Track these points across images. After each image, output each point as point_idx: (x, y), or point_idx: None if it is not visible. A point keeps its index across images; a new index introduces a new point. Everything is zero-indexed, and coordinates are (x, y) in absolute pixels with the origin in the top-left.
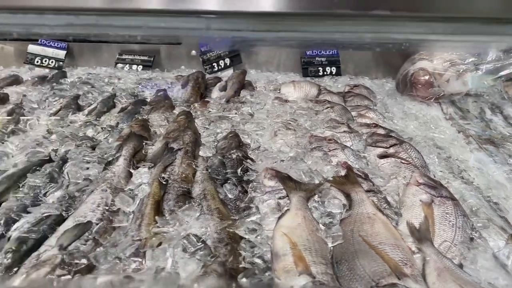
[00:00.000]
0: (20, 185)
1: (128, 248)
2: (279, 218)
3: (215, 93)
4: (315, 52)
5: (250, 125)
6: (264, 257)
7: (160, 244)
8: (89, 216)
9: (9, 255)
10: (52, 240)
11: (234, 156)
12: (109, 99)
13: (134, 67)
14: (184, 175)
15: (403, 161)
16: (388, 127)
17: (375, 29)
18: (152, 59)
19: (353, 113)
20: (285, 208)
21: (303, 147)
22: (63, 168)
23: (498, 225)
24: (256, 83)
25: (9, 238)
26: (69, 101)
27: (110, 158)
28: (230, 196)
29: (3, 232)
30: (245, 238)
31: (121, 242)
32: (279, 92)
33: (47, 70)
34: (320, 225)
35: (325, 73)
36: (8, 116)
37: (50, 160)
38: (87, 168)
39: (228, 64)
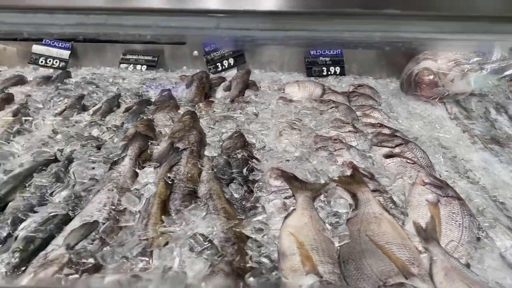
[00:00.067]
0: (27, 184)
1: (135, 248)
2: (286, 217)
3: (220, 93)
4: (319, 52)
5: (255, 125)
6: (271, 257)
7: (166, 243)
8: (95, 215)
9: (17, 254)
10: (59, 240)
11: (239, 155)
12: (114, 99)
13: (138, 67)
14: (189, 174)
15: (408, 160)
16: (393, 127)
17: (384, 27)
18: (156, 59)
19: (358, 113)
20: (291, 208)
21: (308, 147)
22: (69, 168)
23: (504, 225)
24: (260, 83)
25: (16, 238)
26: (74, 101)
27: (116, 158)
28: (236, 195)
29: (11, 231)
30: (252, 238)
31: (128, 241)
32: (284, 92)
33: (51, 70)
34: (327, 225)
35: (329, 73)
36: (13, 116)
37: (55, 160)
38: (93, 168)
39: (232, 64)
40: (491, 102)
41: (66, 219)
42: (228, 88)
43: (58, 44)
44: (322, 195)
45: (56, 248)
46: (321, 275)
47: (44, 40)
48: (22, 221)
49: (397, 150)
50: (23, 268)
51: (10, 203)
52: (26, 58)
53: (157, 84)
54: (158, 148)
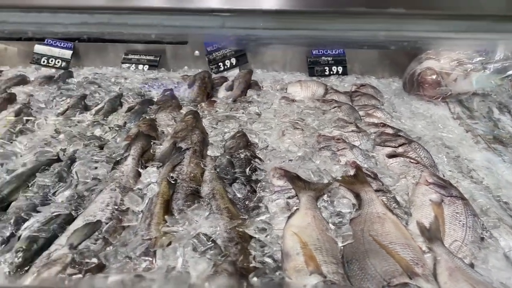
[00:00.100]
0: (30, 184)
1: (138, 248)
2: (289, 217)
3: (222, 92)
4: (321, 52)
5: (258, 125)
6: (274, 257)
7: (170, 243)
8: (98, 215)
9: (20, 254)
10: (62, 239)
11: (242, 155)
12: (116, 98)
13: (140, 66)
14: (192, 174)
15: (412, 160)
16: (396, 127)
17: (388, 27)
18: (158, 58)
19: (361, 113)
20: (295, 208)
21: (311, 147)
22: (72, 168)
23: (508, 225)
24: (262, 83)
25: (19, 237)
26: (76, 101)
27: (119, 158)
28: (239, 195)
29: (14, 231)
30: (255, 238)
31: (131, 241)
32: (286, 92)
33: (53, 70)
34: (330, 225)
35: (331, 72)
36: (16, 116)
37: (58, 160)
38: (96, 168)
39: (234, 64)
40: (494, 101)
41: (69, 219)
42: (230, 88)
43: (60, 44)
44: (325, 195)
45: (59, 248)
46: (325, 275)
47: (46, 40)
48: (25, 220)
49: (400, 149)
50: (26, 268)
51: (13, 203)
52: (28, 58)
53: (159, 83)
54: (161, 148)
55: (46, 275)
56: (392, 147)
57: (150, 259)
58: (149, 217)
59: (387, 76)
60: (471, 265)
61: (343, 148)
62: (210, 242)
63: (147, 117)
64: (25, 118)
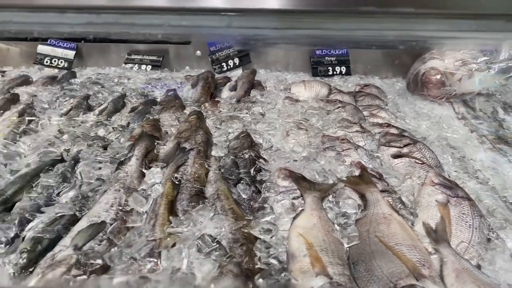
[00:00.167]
0: (33, 185)
1: (143, 249)
2: (294, 218)
3: (225, 92)
4: (324, 52)
5: (262, 125)
6: (279, 258)
7: (174, 244)
8: (103, 216)
9: (24, 255)
10: (67, 240)
11: (246, 156)
12: (120, 99)
13: (143, 67)
14: (197, 175)
15: (417, 161)
16: (401, 127)
17: (394, 26)
18: (161, 59)
19: (365, 113)
20: (300, 209)
21: (315, 147)
22: (76, 168)
23: None
24: (265, 83)
25: (23, 238)
26: (79, 101)
27: (123, 158)
28: (243, 196)
29: (18, 232)
30: (260, 239)
31: (135, 242)
32: (290, 92)
33: (56, 70)
34: (336, 226)
35: (334, 72)
36: (19, 116)
37: (62, 160)
38: (100, 168)
39: (237, 64)
40: (498, 101)
41: (73, 220)
42: (234, 88)
43: (63, 44)
44: (331, 195)
45: (64, 249)
46: (331, 276)
47: (49, 40)
48: (29, 221)
49: (405, 150)
50: (31, 269)
51: (17, 203)
52: (31, 59)
53: (162, 84)
54: (165, 148)
55: (51, 276)
56: (397, 147)
57: (155, 260)
58: (154, 218)
59: (390, 76)
60: (478, 267)
61: (347, 149)
62: (215, 243)
63: (151, 118)
64: (28, 118)
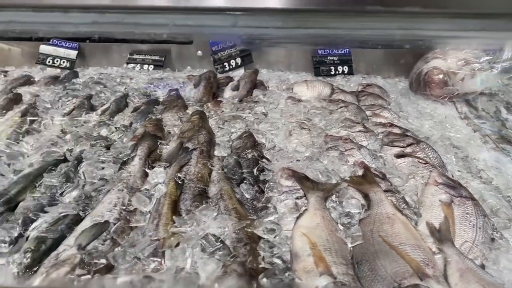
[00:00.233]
0: (37, 184)
1: (146, 248)
2: (298, 218)
3: (228, 92)
4: (327, 51)
5: (264, 125)
6: (283, 257)
7: (178, 244)
8: (106, 216)
9: (28, 254)
10: (71, 240)
11: (249, 155)
12: (122, 98)
13: (145, 66)
14: (200, 174)
15: (420, 160)
16: (404, 127)
17: (398, 25)
18: (163, 58)
19: (368, 113)
20: (303, 208)
21: (318, 147)
22: (79, 168)
23: None
24: (268, 83)
25: (27, 238)
26: (82, 101)
27: (126, 158)
28: (247, 196)
29: (22, 231)
30: (264, 238)
31: (139, 242)
32: (292, 92)
33: (58, 70)
34: (339, 225)
35: (337, 72)
36: (22, 116)
37: (65, 160)
38: (103, 168)
39: (239, 64)
40: (501, 101)
41: (77, 219)
42: (236, 88)
43: (66, 44)
44: (334, 195)
45: (68, 249)
46: (335, 276)
47: (51, 40)
48: (33, 221)
49: (408, 149)
50: (35, 269)
51: (21, 203)
52: (33, 58)
53: (165, 84)
54: (168, 148)
55: (55, 276)
56: (400, 147)
57: (159, 259)
58: (157, 217)
59: (393, 76)
60: (482, 266)
61: (350, 148)
62: (219, 243)
63: (153, 117)
64: (30, 118)
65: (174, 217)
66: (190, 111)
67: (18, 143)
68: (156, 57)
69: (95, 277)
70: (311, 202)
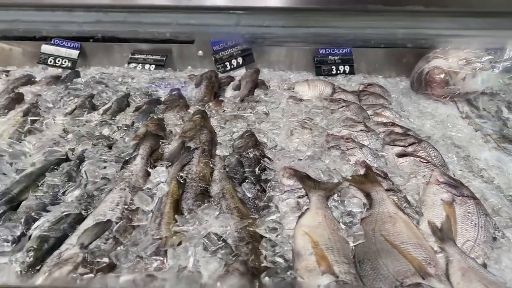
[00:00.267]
0: (39, 184)
1: (149, 247)
2: (300, 217)
3: (229, 92)
4: (328, 51)
5: (266, 124)
6: (285, 256)
7: (180, 243)
8: (108, 215)
9: (31, 253)
10: (73, 239)
11: (251, 155)
12: (124, 98)
13: (147, 66)
14: (202, 174)
15: (422, 160)
16: (405, 126)
17: (404, 24)
18: (164, 58)
19: (369, 112)
20: (305, 207)
21: (320, 146)
22: (81, 167)
23: None
24: (269, 82)
25: (30, 237)
26: (84, 101)
27: (128, 157)
28: (248, 195)
29: (24, 230)
30: (266, 237)
31: (141, 240)
32: (293, 91)
33: (60, 70)
34: (341, 224)
35: (338, 71)
36: (24, 115)
37: (67, 159)
38: (105, 167)
39: (240, 63)
40: (502, 100)
41: (79, 218)
42: (237, 87)
43: (67, 44)
44: (336, 194)
45: (70, 247)
46: (337, 275)
47: (53, 40)
48: (35, 220)
49: (410, 149)
50: (37, 267)
51: (23, 202)
52: (34, 58)
53: (166, 83)
54: (169, 147)
55: (58, 275)
56: (401, 146)
57: (161, 258)
58: (159, 216)
59: (394, 75)
60: (484, 265)
61: (352, 148)
62: (221, 242)
63: (155, 117)
64: (32, 118)
65: (176, 216)
66: (191, 110)
67: (20, 142)
68: (158, 57)
69: (98, 276)
70: (313, 201)
